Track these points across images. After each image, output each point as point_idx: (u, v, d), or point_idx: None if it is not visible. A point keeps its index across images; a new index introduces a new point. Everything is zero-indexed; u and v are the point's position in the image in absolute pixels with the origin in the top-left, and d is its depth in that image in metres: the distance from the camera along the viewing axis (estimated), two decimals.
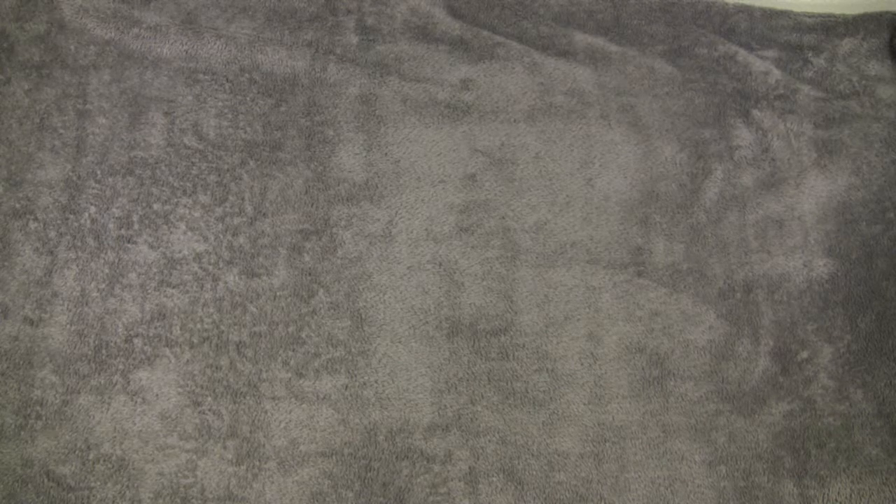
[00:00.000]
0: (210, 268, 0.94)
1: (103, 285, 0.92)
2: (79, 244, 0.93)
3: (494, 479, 0.89)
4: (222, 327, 0.92)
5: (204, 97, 1.02)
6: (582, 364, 0.95)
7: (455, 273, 0.98)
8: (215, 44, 1.05)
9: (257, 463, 0.88)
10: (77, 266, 0.92)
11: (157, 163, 0.98)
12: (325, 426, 0.90)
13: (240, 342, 0.92)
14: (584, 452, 0.91)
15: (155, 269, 0.93)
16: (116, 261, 0.93)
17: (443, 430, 0.91)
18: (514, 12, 1.17)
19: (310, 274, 0.96)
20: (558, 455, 0.91)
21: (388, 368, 0.93)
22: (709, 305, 1.00)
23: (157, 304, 0.92)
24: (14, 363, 0.87)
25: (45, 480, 0.86)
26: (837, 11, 1.23)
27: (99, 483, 0.86)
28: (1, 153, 0.95)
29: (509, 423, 0.92)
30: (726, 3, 1.23)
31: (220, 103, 1.02)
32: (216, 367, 0.91)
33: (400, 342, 0.94)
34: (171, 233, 0.95)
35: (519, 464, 0.90)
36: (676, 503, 0.88)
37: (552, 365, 0.95)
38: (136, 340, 0.90)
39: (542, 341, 0.96)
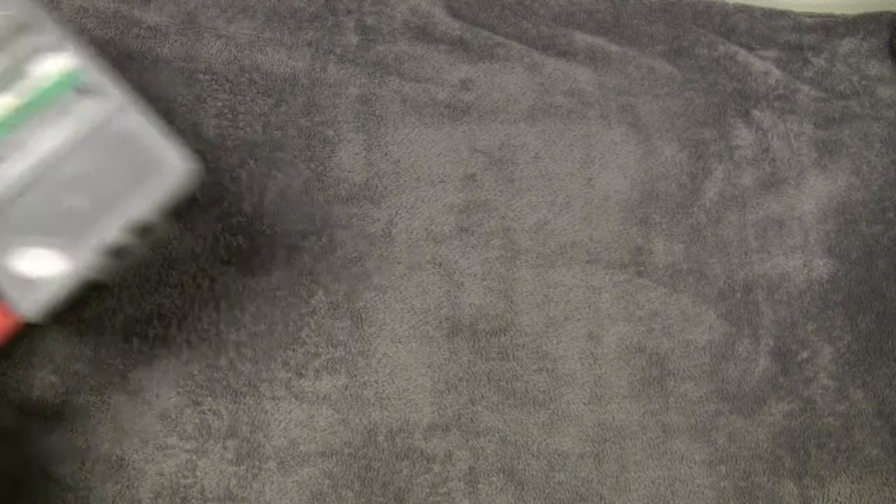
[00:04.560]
0: (209, 268, 0.94)
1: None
2: None
3: (494, 479, 0.89)
4: (221, 327, 0.92)
5: (204, 97, 1.02)
6: (582, 364, 0.96)
7: (455, 273, 0.98)
8: (215, 44, 1.05)
9: (257, 463, 0.88)
10: None
11: None
12: (325, 426, 0.90)
13: (239, 342, 0.92)
14: (584, 452, 0.91)
15: (154, 269, 0.93)
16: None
17: (443, 430, 0.91)
18: (514, 12, 1.17)
19: (309, 274, 0.96)
20: (558, 455, 0.91)
21: (388, 368, 0.93)
22: (709, 305, 1.00)
23: (156, 304, 0.92)
24: (14, 363, 0.87)
25: (45, 480, 0.86)
26: (837, 11, 1.23)
27: (98, 483, 0.86)
28: None
29: (509, 423, 0.92)
30: (726, 3, 1.23)
31: (219, 103, 1.02)
32: (215, 367, 0.91)
33: (400, 342, 0.94)
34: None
35: (519, 464, 0.90)
36: (676, 503, 0.88)
37: (552, 365, 0.95)
38: (135, 340, 0.90)
39: (542, 341, 0.96)
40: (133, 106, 0.77)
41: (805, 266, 1.02)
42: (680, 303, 0.99)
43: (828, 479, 0.89)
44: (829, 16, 1.22)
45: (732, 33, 1.21)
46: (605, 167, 1.08)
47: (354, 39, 1.09)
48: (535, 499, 0.88)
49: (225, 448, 0.88)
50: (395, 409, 0.92)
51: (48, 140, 0.76)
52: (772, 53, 1.19)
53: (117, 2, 1.12)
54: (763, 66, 1.17)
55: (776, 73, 1.16)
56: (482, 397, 0.93)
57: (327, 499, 0.87)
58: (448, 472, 0.89)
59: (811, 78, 1.17)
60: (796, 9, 1.23)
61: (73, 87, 0.79)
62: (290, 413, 0.90)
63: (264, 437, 0.89)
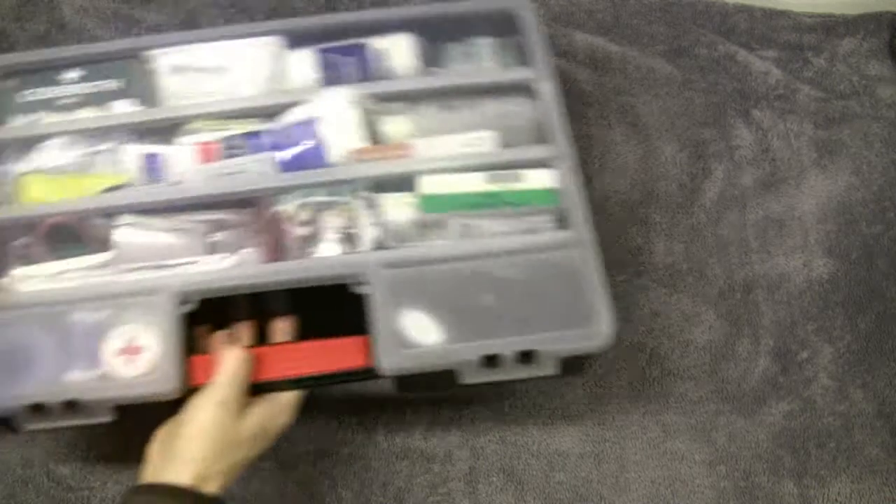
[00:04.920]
0: None
1: None
2: None
3: (494, 478, 0.89)
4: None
5: None
6: (582, 364, 0.95)
7: None
8: None
9: (256, 462, 0.88)
10: None
11: None
12: (324, 425, 0.90)
13: None
14: (584, 452, 0.91)
15: None
16: None
17: (442, 429, 0.91)
18: None
19: None
20: (558, 455, 0.90)
21: None
22: (709, 305, 0.99)
23: None
24: None
25: (45, 480, 0.86)
26: (837, 11, 1.23)
27: (99, 483, 0.86)
28: None
29: (509, 422, 0.92)
30: (726, 3, 1.23)
31: None
32: None
33: None
34: None
35: (519, 464, 0.90)
36: (676, 503, 0.88)
37: None
38: None
39: None
40: (591, 251, 0.76)
41: (805, 266, 1.02)
42: (680, 303, 0.99)
43: (828, 479, 0.89)
44: (829, 16, 1.22)
45: (732, 33, 1.21)
46: (605, 167, 1.08)
47: None
48: (534, 499, 0.88)
49: None
50: (395, 408, 0.92)
51: (496, 234, 0.78)
52: (772, 53, 1.19)
53: (118, 2, 1.13)
54: (763, 66, 1.17)
55: (776, 73, 1.16)
56: (482, 397, 0.93)
57: (326, 498, 0.87)
58: (448, 471, 0.89)
59: (811, 78, 1.17)
60: (796, 9, 1.23)
61: (545, 202, 0.79)
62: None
63: None
